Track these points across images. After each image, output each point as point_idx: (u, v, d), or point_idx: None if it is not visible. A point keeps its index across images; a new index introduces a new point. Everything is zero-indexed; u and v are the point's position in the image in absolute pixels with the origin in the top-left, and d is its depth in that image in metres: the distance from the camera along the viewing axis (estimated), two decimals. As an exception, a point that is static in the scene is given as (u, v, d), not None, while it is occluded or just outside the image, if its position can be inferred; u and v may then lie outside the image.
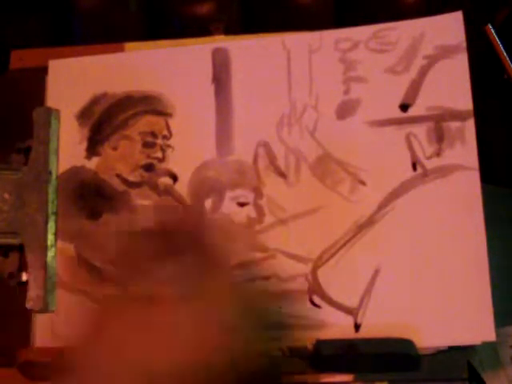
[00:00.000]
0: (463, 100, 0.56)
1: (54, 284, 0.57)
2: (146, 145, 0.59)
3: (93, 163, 0.60)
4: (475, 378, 0.58)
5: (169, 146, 0.59)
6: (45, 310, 0.56)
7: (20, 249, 0.57)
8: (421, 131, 0.56)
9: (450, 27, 0.57)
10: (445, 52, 0.57)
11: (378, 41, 0.58)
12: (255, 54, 0.60)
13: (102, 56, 0.62)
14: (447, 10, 0.58)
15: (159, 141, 0.59)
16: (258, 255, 0.56)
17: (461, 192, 0.54)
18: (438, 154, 0.55)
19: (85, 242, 0.58)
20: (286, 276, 0.55)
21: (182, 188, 0.58)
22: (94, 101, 0.61)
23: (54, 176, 0.59)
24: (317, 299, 0.54)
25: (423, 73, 0.57)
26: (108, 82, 0.61)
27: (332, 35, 0.59)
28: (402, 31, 0.58)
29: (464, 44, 0.57)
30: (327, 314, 0.54)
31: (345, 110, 0.57)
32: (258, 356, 0.45)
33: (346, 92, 0.58)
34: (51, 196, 0.59)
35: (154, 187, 0.58)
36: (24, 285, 0.57)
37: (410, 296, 0.53)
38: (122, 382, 0.42)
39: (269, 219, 0.56)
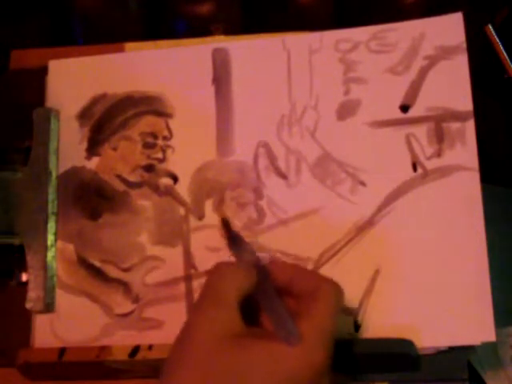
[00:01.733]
0: (463, 101, 0.56)
1: (53, 284, 0.57)
2: (147, 145, 0.59)
3: (93, 163, 0.60)
4: (475, 377, 0.58)
5: (169, 146, 0.59)
6: (45, 310, 0.56)
7: (20, 249, 0.57)
8: (421, 132, 0.56)
9: (450, 28, 0.57)
10: (445, 53, 0.57)
11: (379, 42, 0.58)
12: (255, 54, 0.60)
13: (102, 56, 0.62)
14: (447, 10, 0.58)
15: (159, 141, 0.59)
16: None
17: (461, 192, 0.54)
18: (438, 154, 0.55)
19: (85, 242, 0.58)
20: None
21: (182, 188, 0.58)
22: (94, 101, 0.61)
23: (53, 176, 0.59)
24: (317, 299, 0.54)
25: (423, 74, 0.57)
26: (108, 82, 0.61)
27: (332, 36, 0.59)
28: (402, 32, 0.58)
29: (464, 45, 0.57)
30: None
31: (345, 111, 0.57)
32: None
33: (346, 93, 0.58)
34: (51, 196, 0.59)
35: (155, 188, 0.58)
36: (24, 285, 0.57)
37: (409, 296, 0.53)
38: None
39: (269, 220, 0.56)
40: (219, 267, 0.48)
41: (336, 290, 0.47)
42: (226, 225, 0.53)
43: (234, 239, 0.52)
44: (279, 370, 0.43)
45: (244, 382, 0.42)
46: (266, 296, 0.46)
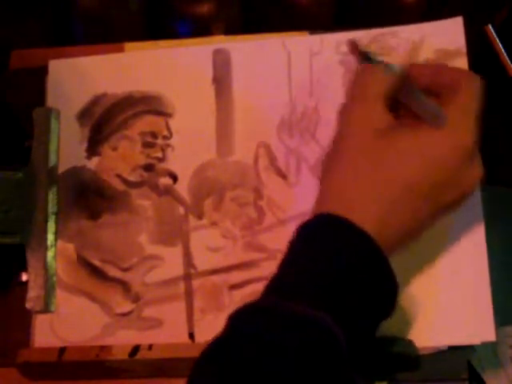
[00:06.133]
0: None
1: (53, 284, 0.57)
2: (146, 145, 0.59)
3: (93, 163, 0.60)
4: (475, 378, 0.58)
5: (169, 145, 0.59)
6: (45, 310, 0.56)
7: (20, 249, 0.58)
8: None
9: (450, 32, 0.57)
10: (445, 56, 0.57)
11: (379, 45, 0.58)
12: (256, 55, 0.60)
13: (102, 56, 0.62)
14: (447, 10, 0.58)
15: (159, 141, 0.59)
16: (258, 255, 0.56)
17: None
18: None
19: (85, 241, 0.58)
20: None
21: (182, 188, 0.58)
22: (94, 101, 0.61)
23: (54, 176, 0.59)
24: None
25: (423, 77, 0.57)
26: (108, 82, 0.61)
27: (333, 38, 0.59)
28: (403, 36, 0.58)
29: (464, 49, 0.57)
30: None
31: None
32: None
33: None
34: (51, 196, 0.59)
35: (154, 187, 0.58)
36: (24, 285, 0.57)
37: (409, 296, 0.53)
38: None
39: (269, 220, 0.56)
40: (365, 68, 0.49)
41: (477, 79, 0.48)
42: (353, 46, 0.52)
43: (365, 57, 0.50)
44: (427, 153, 0.45)
45: (395, 166, 0.45)
46: (410, 92, 0.47)
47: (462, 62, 0.57)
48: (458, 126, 0.45)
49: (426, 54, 0.57)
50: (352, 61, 0.58)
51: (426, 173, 0.45)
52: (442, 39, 0.57)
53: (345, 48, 0.58)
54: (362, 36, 0.59)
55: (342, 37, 0.59)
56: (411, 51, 0.58)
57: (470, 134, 0.45)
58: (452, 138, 0.45)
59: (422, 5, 0.69)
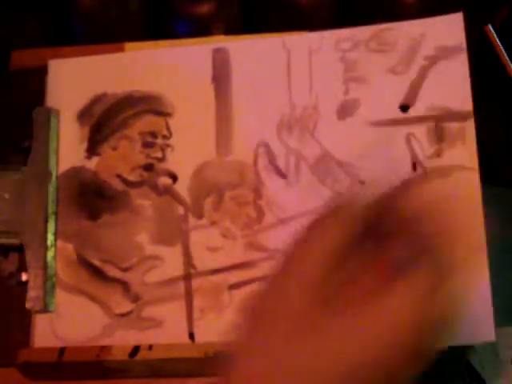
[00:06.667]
0: (463, 101, 0.56)
1: (53, 284, 0.57)
2: (146, 145, 0.59)
3: (93, 163, 0.60)
4: (475, 378, 0.58)
5: (168, 145, 0.59)
6: (44, 310, 0.56)
7: (20, 249, 0.58)
8: (421, 131, 0.56)
9: (450, 28, 0.57)
10: (445, 53, 0.57)
11: (379, 41, 0.58)
12: (255, 54, 0.60)
13: (102, 56, 0.62)
14: (447, 9, 0.58)
15: (159, 141, 0.59)
16: (258, 255, 0.56)
17: (461, 192, 0.54)
18: (438, 154, 0.55)
19: (84, 241, 0.58)
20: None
21: (181, 188, 0.58)
22: (94, 101, 0.61)
23: (53, 176, 0.59)
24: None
25: (423, 73, 0.57)
26: (108, 81, 0.61)
27: (332, 35, 0.59)
28: (403, 32, 0.58)
29: (464, 45, 0.57)
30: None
31: (345, 110, 0.57)
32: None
33: (346, 92, 0.58)
34: (51, 196, 0.59)
35: (154, 187, 0.58)
36: (24, 285, 0.57)
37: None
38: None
39: (268, 219, 0.56)
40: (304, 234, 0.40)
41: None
42: None
43: None
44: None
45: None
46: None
47: (462, 59, 0.57)
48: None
49: (425, 50, 0.57)
50: (352, 58, 0.59)
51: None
52: (442, 35, 0.57)
53: (344, 45, 0.59)
54: (362, 32, 0.59)
55: (342, 33, 0.59)
56: (411, 47, 0.58)
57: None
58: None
59: (422, 6, 0.69)
